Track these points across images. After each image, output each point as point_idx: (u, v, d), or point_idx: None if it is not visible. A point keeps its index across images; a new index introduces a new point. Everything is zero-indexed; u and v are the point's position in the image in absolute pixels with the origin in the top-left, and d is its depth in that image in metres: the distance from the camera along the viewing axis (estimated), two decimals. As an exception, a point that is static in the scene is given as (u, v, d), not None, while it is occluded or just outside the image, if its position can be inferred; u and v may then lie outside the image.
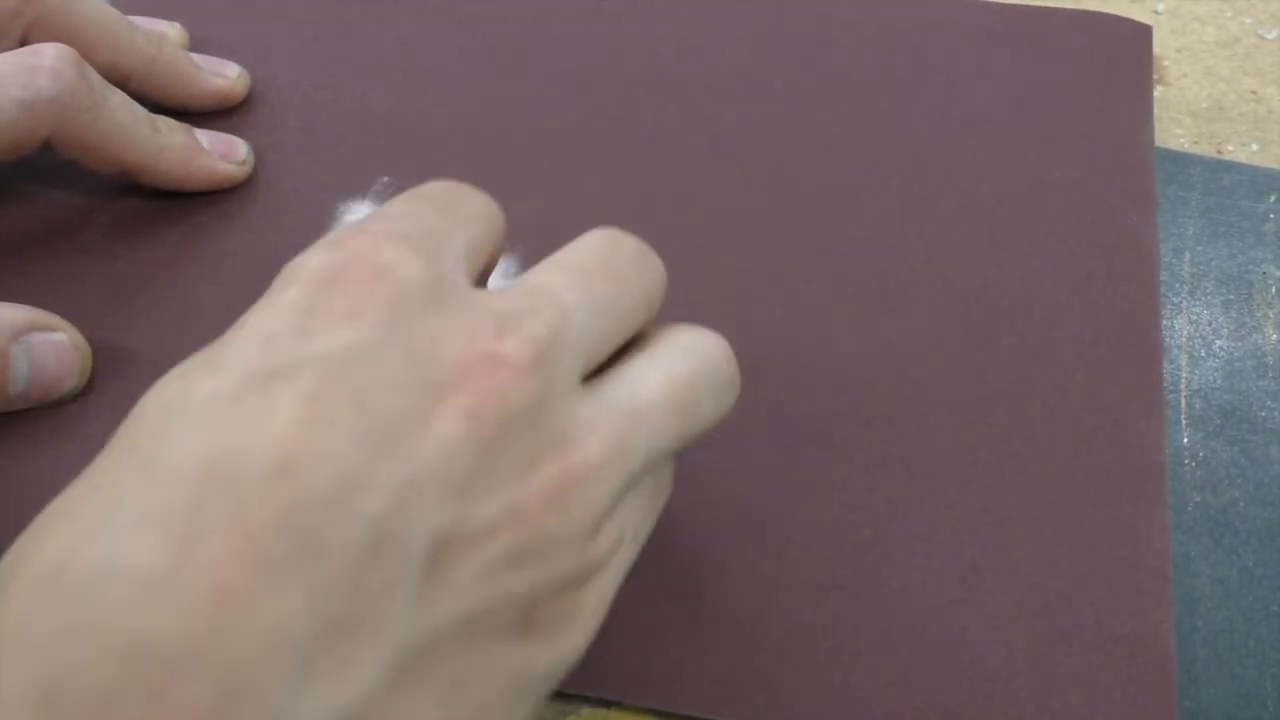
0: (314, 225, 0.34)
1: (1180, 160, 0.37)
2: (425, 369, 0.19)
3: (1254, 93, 0.40)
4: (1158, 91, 0.40)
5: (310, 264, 0.20)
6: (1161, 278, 0.34)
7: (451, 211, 0.23)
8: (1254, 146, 0.38)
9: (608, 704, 0.26)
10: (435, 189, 0.23)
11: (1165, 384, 0.31)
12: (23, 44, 0.33)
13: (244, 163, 0.35)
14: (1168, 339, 0.33)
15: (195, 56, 0.37)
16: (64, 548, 0.17)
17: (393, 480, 0.18)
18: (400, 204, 0.23)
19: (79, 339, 0.30)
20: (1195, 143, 0.38)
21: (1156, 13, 0.43)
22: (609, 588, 0.22)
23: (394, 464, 0.18)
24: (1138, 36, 0.39)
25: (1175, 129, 0.39)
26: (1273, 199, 0.36)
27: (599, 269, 0.22)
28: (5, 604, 0.17)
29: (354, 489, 0.18)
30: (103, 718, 0.16)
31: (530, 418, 0.19)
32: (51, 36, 0.33)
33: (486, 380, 0.19)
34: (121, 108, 0.33)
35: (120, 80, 0.34)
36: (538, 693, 0.21)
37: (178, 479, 0.17)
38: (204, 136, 0.35)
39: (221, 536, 0.17)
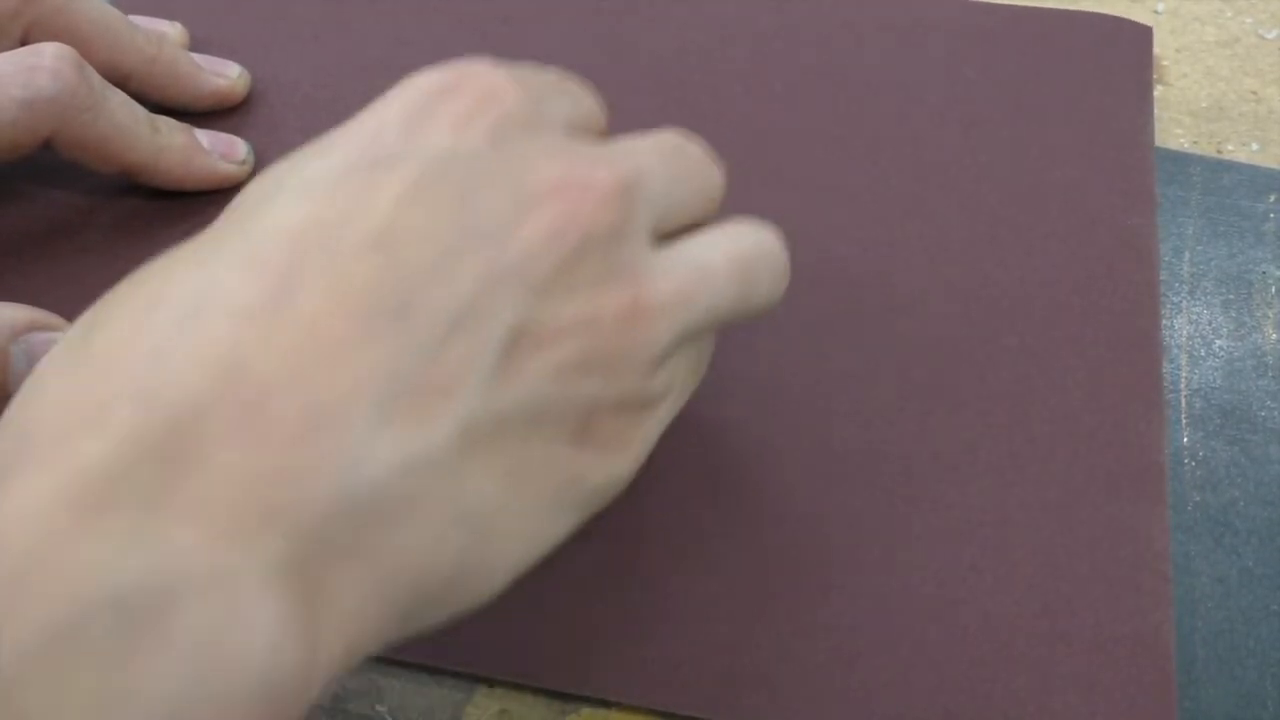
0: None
1: (1180, 160, 0.37)
2: (520, 180, 0.21)
3: (1254, 93, 0.40)
4: (1158, 91, 0.40)
5: (425, 77, 0.22)
6: (1161, 278, 0.34)
7: (561, 86, 0.25)
8: (1254, 146, 0.38)
9: (608, 704, 0.26)
10: (551, 72, 0.25)
11: (1165, 384, 0.31)
12: (23, 44, 0.33)
13: (244, 162, 0.36)
14: (1168, 339, 0.33)
15: (195, 56, 0.37)
16: (160, 286, 0.19)
17: (480, 268, 0.20)
18: (520, 70, 0.24)
19: (79, 338, 0.30)
20: (1195, 143, 0.38)
21: (1156, 13, 0.43)
22: (657, 425, 0.23)
23: (483, 254, 0.20)
24: (1138, 38, 0.39)
25: (1175, 129, 0.39)
26: (1273, 199, 0.36)
27: (674, 151, 0.24)
28: (107, 323, 0.19)
29: (444, 269, 0.19)
30: (195, 423, 0.17)
31: (609, 244, 0.21)
32: (52, 36, 0.33)
33: (574, 198, 0.21)
34: (121, 107, 0.33)
35: (120, 80, 0.34)
36: (585, 505, 0.22)
37: (279, 236, 0.19)
38: (204, 136, 0.35)
39: (318, 287, 0.18)
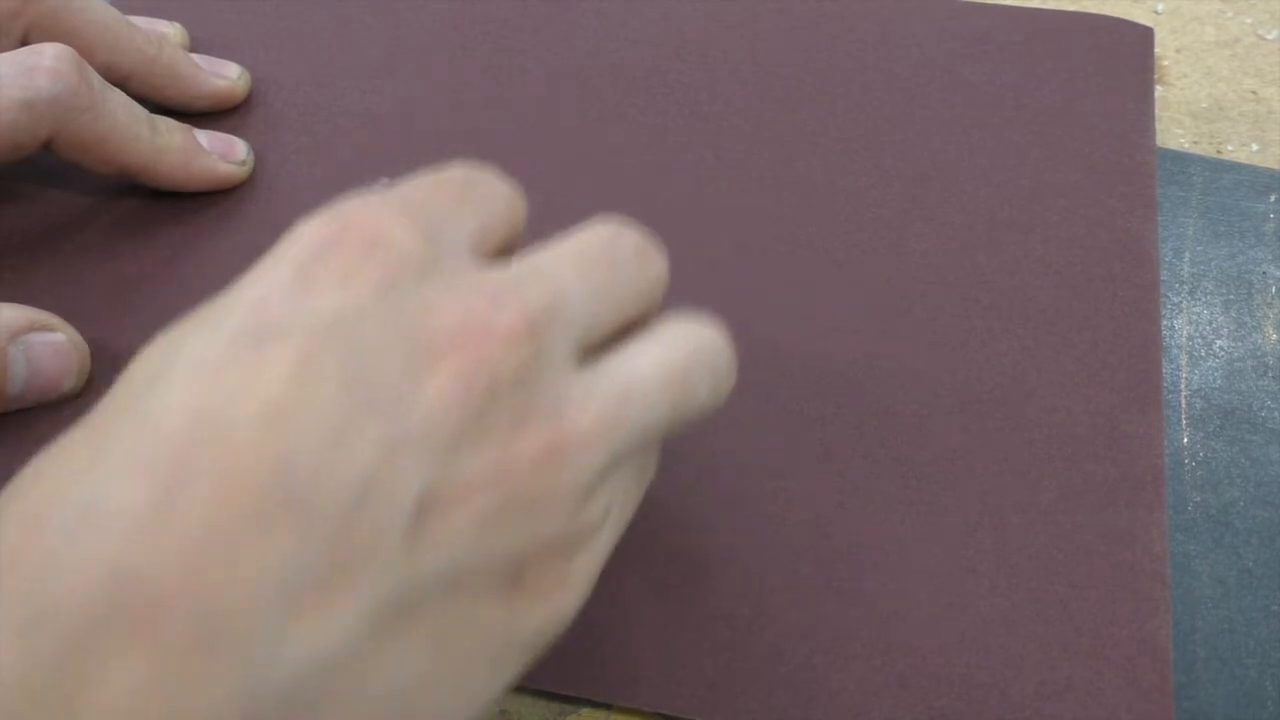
0: (314, 225, 0.34)
1: (1180, 160, 0.37)
2: (417, 334, 0.19)
3: (1254, 93, 0.40)
4: (1158, 91, 0.40)
5: (307, 231, 0.21)
6: (1161, 278, 0.34)
7: (464, 192, 0.23)
8: (1254, 146, 0.38)
9: (607, 705, 0.26)
10: (454, 172, 0.24)
11: (1165, 384, 0.31)
12: (23, 44, 0.33)
13: (244, 163, 0.35)
14: (1168, 339, 0.33)
15: (195, 57, 0.37)
16: (50, 490, 0.18)
17: (381, 437, 0.18)
18: (412, 183, 0.23)
19: (78, 339, 0.30)
20: (1195, 143, 0.38)
21: (1156, 13, 0.43)
22: (597, 558, 0.22)
23: (382, 421, 0.18)
24: (1139, 39, 0.39)
25: (1175, 129, 0.39)
26: (1273, 199, 0.36)
27: (600, 254, 0.23)
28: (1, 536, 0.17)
29: (342, 444, 0.18)
30: (86, 647, 0.16)
31: (520, 386, 0.20)
32: (51, 37, 0.33)
33: (478, 347, 0.19)
34: (121, 108, 0.33)
35: (120, 81, 0.34)
36: (523, 653, 0.21)
37: (167, 428, 0.18)
38: (204, 137, 0.35)
39: (209, 481, 0.17)
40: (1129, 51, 0.39)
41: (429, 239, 0.21)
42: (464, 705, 0.20)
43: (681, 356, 0.22)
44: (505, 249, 0.24)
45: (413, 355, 0.19)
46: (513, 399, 0.20)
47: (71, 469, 0.18)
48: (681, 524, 0.28)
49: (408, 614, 0.19)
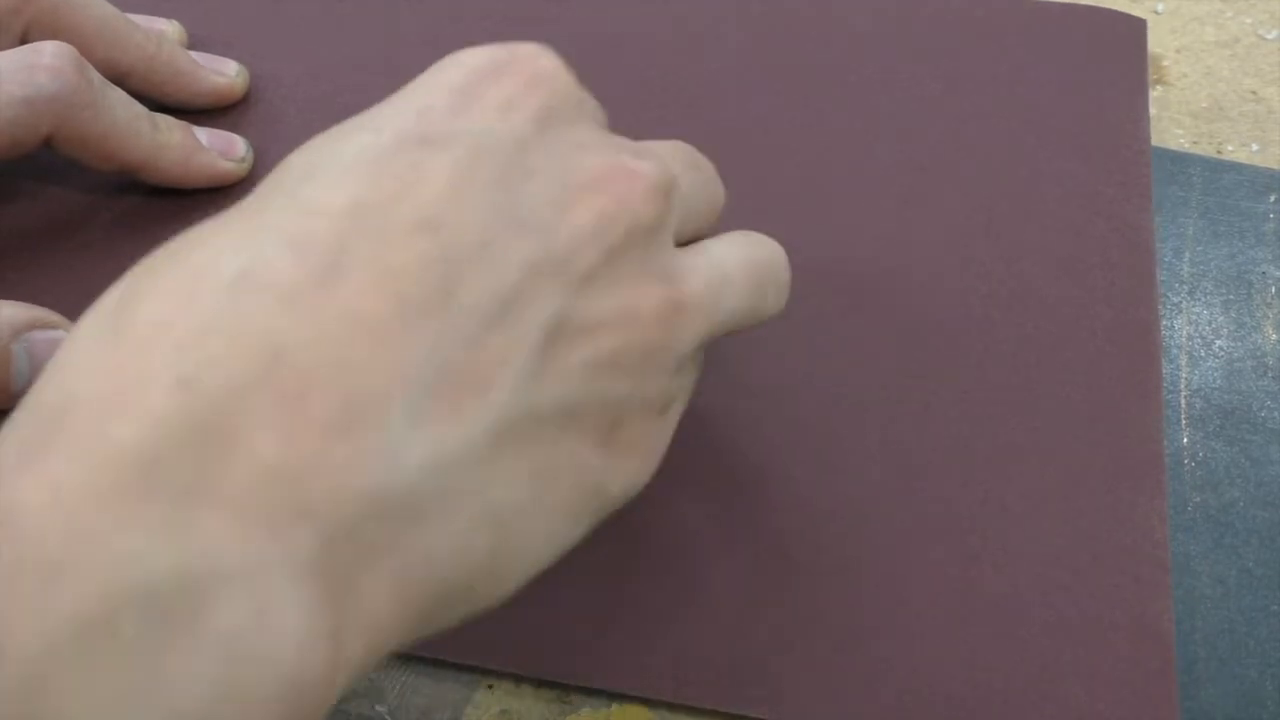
0: (314, 223, 0.34)
1: (1180, 160, 0.37)
2: (568, 167, 0.21)
3: (1254, 93, 0.40)
4: (1158, 91, 0.40)
5: (472, 56, 0.22)
6: (1161, 278, 0.34)
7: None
8: (1254, 146, 0.38)
9: (608, 704, 0.26)
10: None
11: (1165, 384, 0.31)
12: (22, 42, 0.33)
13: (243, 160, 0.35)
14: (1168, 339, 0.33)
15: (194, 54, 0.37)
16: (204, 259, 0.18)
17: (526, 256, 0.19)
18: None
19: (79, 336, 0.30)
20: (1195, 143, 0.38)
21: (1156, 12, 0.43)
22: (670, 430, 0.23)
23: (529, 242, 0.19)
24: (1133, 30, 0.39)
25: (1175, 129, 0.39)
26: (1273, 199, 0.36)
27: (691, 159, 0.25)
28: (146, 297, 0.18)
29: (490, 257, 0.19)
30: (237, 407, 0.17)
31: (649, 237, 0.21)
32: (51, 34, 0.33)
33: (621, 189, 0.21)
34: (121, 105, 0.32)
35: (119, 78, 0.34)
36: (602, 510, 0.22)
37: (325, 215, 0.18)
38: (203, 134, 0.35)
39: (364, 270, 0.18)
40: (1123, 43, 0.39)
41: (580, 94, 0.22)
42: (546, 543, 0.21)
43: (760, 260, 0.24)
44: None
45: (562, 186, 0.20)
46: (643, 249, 0.21)
47: (227, 240, 0.19)
48: (684, 514, 0.28)
49: (522, 438, 0.19)
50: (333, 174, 0.19)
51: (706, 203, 0.25)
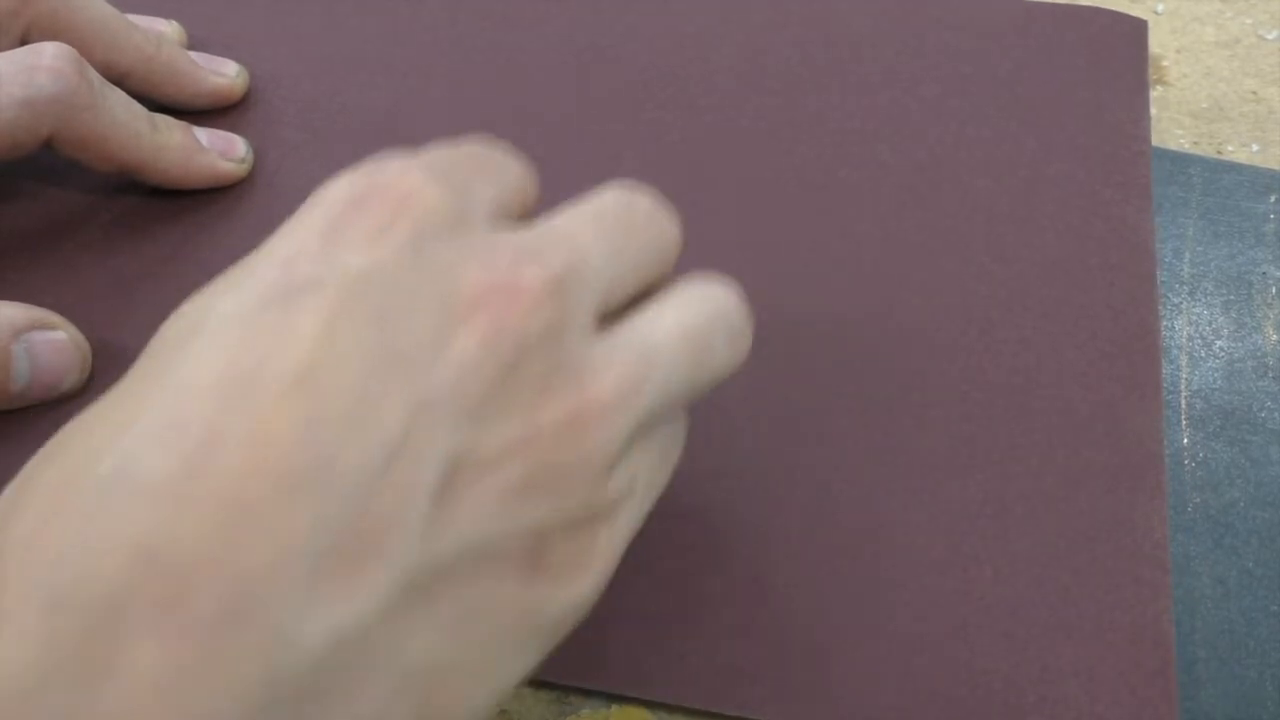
0: (314, 224, 0.34)
1: (1180, 160, 0.37)
2: (444, 293, 0.19)
3: (1254, 93, 0.40)
4: (1158, 92, 0.40)
5: (335, 189, 0.21)
6: (1161, 278, 0.34)
7: (480, 163, 0.23)
8: (1254, 147, 0.38)
9: (607, 705, 0.26)
10: (468, 146, 0.23)
11: (1165, 385, 0.31)
12: (22, 43, 0.33)
13: (243, 160, 0.35)
14: (1168, 339, 0.33)
15: (194, 55, 0.37)
16: (79, 457, 0.17)
17: (409, 400, 0.18)
18: (431, 152, 0.23)
19: (79, 337, 0.30)
20: (1195, 143, 0.38)
21: (1156, 13, 0.43)
22: (620, 535, 0.21)
23: (410, 384, 0.18)
24: (1133, 31, 0.39)
25: (1175, 129, 0.39)
26: (1273, 199, 0.36)
27: (616, 217, 0.23)
28: (20, 512, 0.17)
29: (369, 407, 0.18)
30: (111, 624, 0.16)
31: (545, 347, 0.20)
32: (51, 35, 0.33)
33: (504, 306, 0.19)
34: (121, 106, 0.32)
35: (119, 79, 0.34)
36: (547, 637, 0.21)
37: (196, 391, 0.18)
38: (203, 134, 0.35)
39: (237, 447, 0.17)
40: (1123, 44, 0.39)
41: (453, 198, 0.21)
42: (483, 690, 0.20)
43: (699, 318, 0.22)
44: (520, 219, 0.24)
45: (440, 315, 0.19)
46: (537, 363, 0.19)
47: (103, 434, 0.18)
48: (683, 514, 0.28)
49: (431, 590, 0.18)
50: (202, 342, 0.18)
51: (645, 259, 0.23)
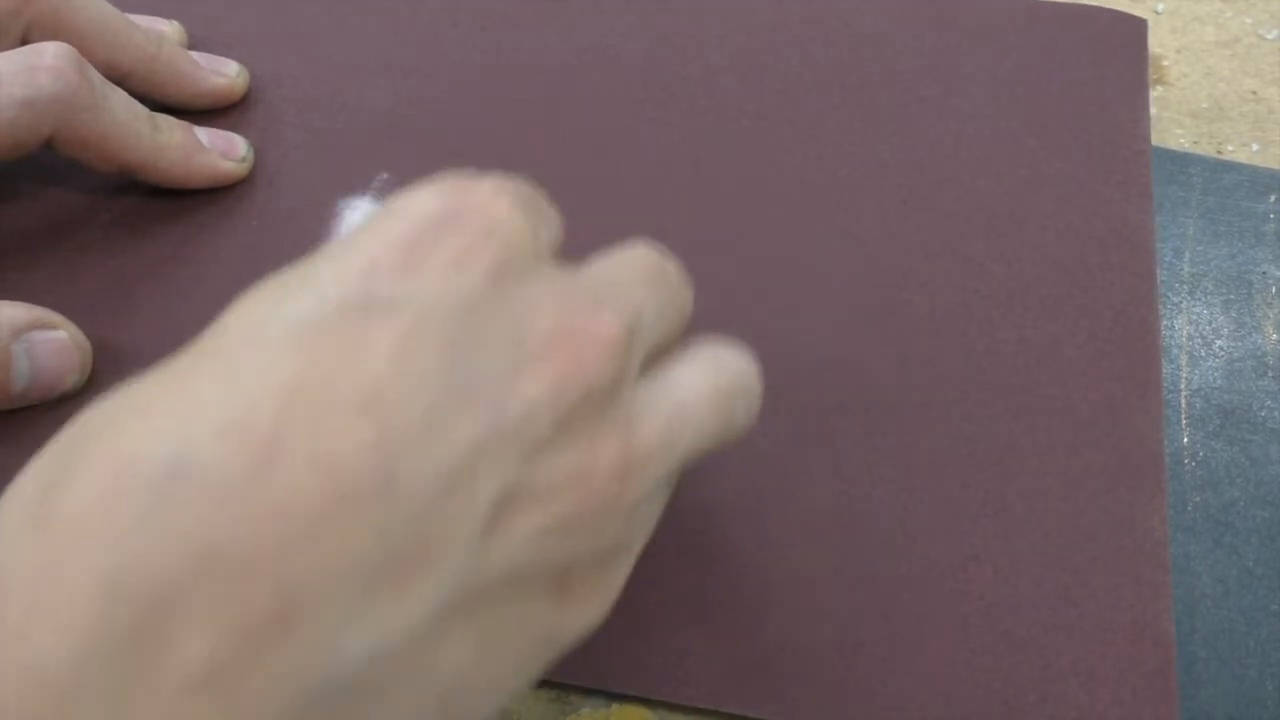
0: (314, 222, 0.34)
1: (1180, 160, 0.37)
2: (520, 330, 0.20)
3: (1254, 93, 0.40)
4: (1158, 91, 0.40)
5: (422, 204, 0.21)
6: (1161, 278, 0.34)
7: (535, 200, 0.23)
8: (1254, 146, 0.38)
9: (607, 704, 0.26)
10: (513, 184, 0.24)
11: (1165, 384, 0.31)
12: (23, 43, 0.33)
13: (244, 160, 0.35)
14: (1168, 339, 0.33)
15: (194, 54, 0.37)
16: (138, 442, 0.17)
17: (474, 431, 0.18)
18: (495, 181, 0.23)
19: (79, 337, 0.30)
20: (1195, 143, 0.38)
21: (1157, 12, 0.43)
22: (628, 570, 0.22)
23: (477, 417, 0.18)
24: (1133, 30, 0.39)
25: (1175, 129, 0.39)
26: (1273, 199, 0.36)
27: (659, 274, 0.23)
28: (69, 487, 0.17)
29: (435, 436, 0.18)
30: (166, 613, 0.16)
31: (607, 395, 0.20)
32: (51, 35, 0.33)
33: (578, 352, 0.20)
34: (122, 106, 0.32)
35: (120, 79, 0.34)
36: (554, 654, 0.21)
37: (264, 394, 0.18)
38: (204, 134, 0.35)
39: (302, 457, 0.17)
40: (1124, 43, 0.39)
41: (536, 230, 0.21)
42: (495, 698, 0.20)
43: (726, 382, 0.23)
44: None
45: (513, 351, 0.19)
46: (595, 409, 0.20)
47: (161, 422, 0.18)
48: (686, 515, 0.28)
49: (469, 608, 0.19)
50: (271, 345, 0.18)
51: (672, 317, 0.24)
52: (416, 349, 0.18)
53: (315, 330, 0.18)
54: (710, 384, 0.23)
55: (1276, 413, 0.31)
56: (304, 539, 0.17)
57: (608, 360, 0.20)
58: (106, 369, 0.30)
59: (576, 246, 0.24)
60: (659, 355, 0.23)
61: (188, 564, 0.16)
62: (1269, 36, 0.42)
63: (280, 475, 0.17)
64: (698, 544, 0.28)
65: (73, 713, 0.16)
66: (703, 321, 0.25)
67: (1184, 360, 0.32)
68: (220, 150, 0.35)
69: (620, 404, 0.20)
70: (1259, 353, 0.32)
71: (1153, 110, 0.39)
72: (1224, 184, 0.37)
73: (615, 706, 0.26)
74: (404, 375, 0.18)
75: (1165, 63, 0.41)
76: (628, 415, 0.21)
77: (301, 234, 0.34)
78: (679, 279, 0.24)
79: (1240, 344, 0.33)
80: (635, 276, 0.23)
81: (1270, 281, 0.34)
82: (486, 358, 0.19)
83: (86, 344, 0.30)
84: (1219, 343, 0.33)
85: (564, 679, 0.26)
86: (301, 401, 0.18)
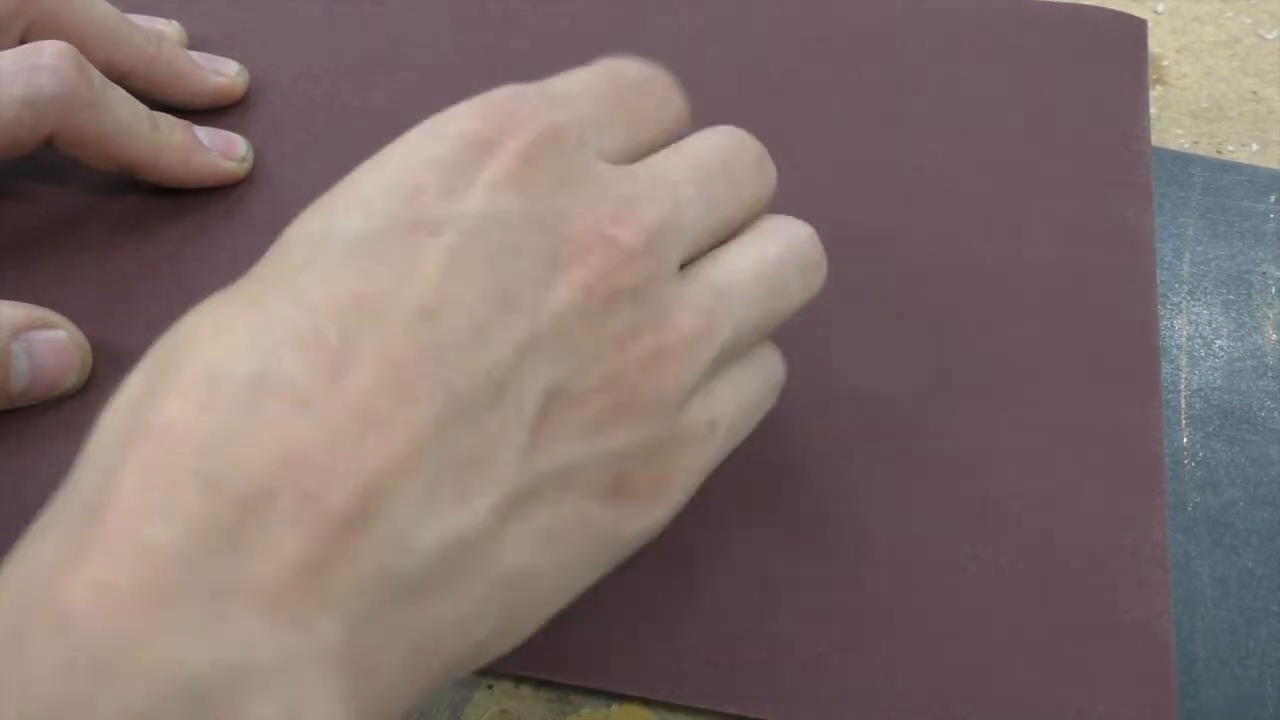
0: (314, 223, 0.34)
1: (1180, 160, 0.37)
2: (550, 242, 0.21)
3: (1254, 93, 0.40)
4: (1158, 91, 0.40)
5: (460, 124, 0.22)
6: (1161, 278, 0.34)
7: (627, 99, 0.25)
8: (1254, 146, 0.38)
9: (607, 704, 0.26)
10: (629, 72, 0.25)
11: (1165, 384, 0.31)
12: (23, 42, 0.33)
13: (243, 160, 0.35)
14: (1168, 339, 0.33)
15: (194, 54, 0.37)
16: (219, 358, 0.19)
17: (515, 336, 0.20)
18: (582, 75, 0.25)
19: (79, 336, 0.30)
20: (1195, 143, 0.38)
21: (1157, 12, 0.43)
22: (697, 467, 0.23)
23: (518, 323, 0.20)
24: (1133, 30, 0.39)
25: (1175, 129, 0.39)
26: (1273, 199, 0.36)
27: (720, 166, 0.25)
28: (161, 399, 0.18)
29: (483, 342, 0.20)
30: (260, 511, 0.17)
31: (634, 296, 0.21)
32: (51, 35, 0.33)
33: (601, 260, 0.21)
34: (122, 105, 0.32)
35: (120, 78, 0.34)
36: (617, 556, 0.22)
37: (329, 309, 0.19)
38: (204, 134, 0.35)
39: (368, 365, 0.19)
40: (1124, 43, 0.39)
41: (577, 148, 0.23)
42: (558, 597, 0.22)
43: (773, 255, 0.24)
44: (657, 146, 0.25)
45: (546, 261, 0.21)
46: (627, 308, 0.21)
47: (238, 337, 0.19)
48: (685, 514, 0.28)
49: (525, 507, 0.20)
50: (331, 263, 0.20)
51: (739, 204, 0.25)
52: (462, 263, 0.20)
53: (369, 249, 0.20)
54: (754, 258, 0.24)
55: (1276, 413, 0.31)
56: (374, 442, 0.18)
57: (628, 266, 0.21)
58: (106, 369, 0.30)
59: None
60: (726, 238, 0.24)
61: (276, 466, 0.18)
62: (1269, 36, 0.42)
63: (351, 382, 0.19)
64: (697, 545, 0.28)
65: (186, 602, 0.16)
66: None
67: (1184, 360, 0.32)
68: (220, 150, 0.35)
69: (650, 302, 0.22)
70: (1259, 353, 0.32)
71: (1153, 110, 0.39)
72: (1224, 184, 0.37)
73: (615, 706, 0.26)
74: (452, 287, 0.20)
75: (1165, 63, 0.41)
76: (662, 310, 0.22)
77: (301, 234, 0.34)
78: (756, 161, 0.25)
79: (1240, 344, 0.33)
80: (686, 171, 0.24)
81: (1270, 281, 0.34)
82: (522, 269, 0.21)
83: (86, 344, 0.30)
84: (1219, 343, 0.33)
85: (564, 679, 0.26)
86: (363, 314, 0.19)
